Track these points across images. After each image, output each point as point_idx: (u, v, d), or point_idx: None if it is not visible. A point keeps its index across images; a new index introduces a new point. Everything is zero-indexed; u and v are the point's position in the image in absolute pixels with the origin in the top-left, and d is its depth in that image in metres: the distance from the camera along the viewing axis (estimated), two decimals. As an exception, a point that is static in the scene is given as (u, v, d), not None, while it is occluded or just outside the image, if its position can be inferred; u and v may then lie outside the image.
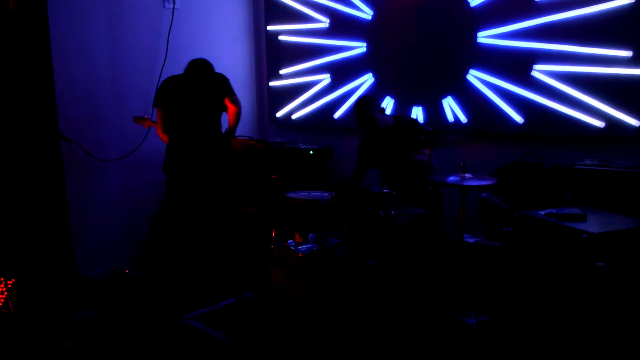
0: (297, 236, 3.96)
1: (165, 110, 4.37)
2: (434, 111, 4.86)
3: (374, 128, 4.30)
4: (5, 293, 3.77)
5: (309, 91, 5.71)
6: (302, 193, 4.20)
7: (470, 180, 3.64)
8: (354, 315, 3.32)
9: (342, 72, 5.44)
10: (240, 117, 4.48)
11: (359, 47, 5.29)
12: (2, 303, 3.73)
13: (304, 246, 3.56)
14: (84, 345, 3.42)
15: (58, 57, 4.28)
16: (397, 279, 3.42)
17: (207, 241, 4.45)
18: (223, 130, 4.50)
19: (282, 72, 5.91)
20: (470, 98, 4.69)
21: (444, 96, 4.82)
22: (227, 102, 4.42)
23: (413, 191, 4.12)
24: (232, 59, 5.89)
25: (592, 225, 2.61)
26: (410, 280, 3.44)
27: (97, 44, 4.64)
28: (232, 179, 4.52)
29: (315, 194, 4.18)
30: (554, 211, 2.82)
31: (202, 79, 4.41)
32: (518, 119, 4.45)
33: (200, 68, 4.46)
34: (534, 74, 4.33)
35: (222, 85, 4.43)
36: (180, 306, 4.10)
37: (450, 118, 4.80)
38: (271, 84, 6.03)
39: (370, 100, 4.36)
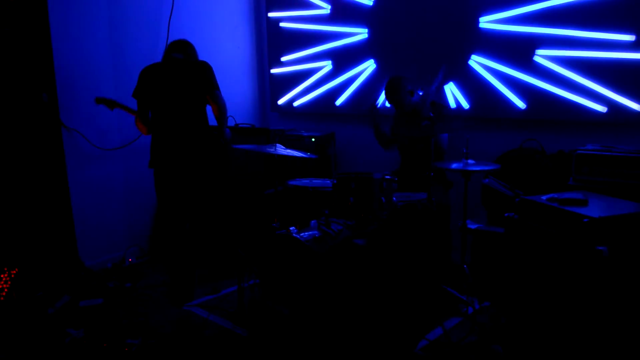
0: (299, 223, 3.97)
1: (142, 102, 4.00)
2: (436, 97, 4.84)
3: (400, 107, 4.39)
4: (10, 282, 3.79)
5: (311, 78, 5.70)
6: (304, 180, 4.21)
7: (473, 166, 3.65)
8: (357, 300, 3.32)
9: (344, 59, 5.42)
10: (224, 115, 4.00)
11: (360, 34, 5.27)
12: (7, 292, 3.76)
13: (306, 233, 3.56)
14: (88, 334, 3.44)
15: (59, 46, 4.27)
16: (387, 259, 3.41)
17: (204, 231, 4.44)
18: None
19: (283, 59, 5.89)
20: (472, 84, 4.67)
21: (446, 82, 4.80)
22: (208, 99, 3.97)
23: (420, 177, 4.13)
24: (233, 46, 5.87)
25: (594, 209, 2.60)
26: (400, 260, 3.43)
27: (98, 33, 4.62)
28: (222, 171, 4.40)
29: (317, 181, 4.19)
30: (556, 196, 2.81)
31: (183, 68, 3.98)
32: (520, 104, 4.43)
33: (182, 54, 4.04)
34: (537, 59, 4.30)
35: (203, 78, 3.94)
36: (184, 294, 4.12)
37: (453, 104, 4.79)
38: (273, 71, 6.02)
39: (398, 81, 4.36)
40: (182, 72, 3.95)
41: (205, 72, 3.95)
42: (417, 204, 3.68)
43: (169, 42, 4.93)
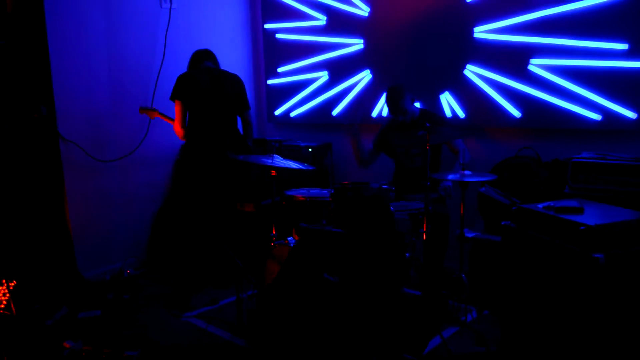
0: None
1: (184, 104, 4.35)
2: (432, 107, 4.86)
3: (401, 115, 4.37)
4: (8, 295, 3.78)
5: (307, 89, 5.72)
6: (302, 190, 4.22)
7: (470, 177, 3.66)
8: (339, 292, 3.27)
9: (340, 69, 5.45)
10: (251, 132, 4.63)
11: (356, 44, 5.30)
12: (5, 305, 3.75)
13: (304, 243, 3.56)
14: (86, 346, 3.44)
15: (56, 58, 4.30)
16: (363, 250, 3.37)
17: (210, 238, 4.47)
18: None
19: (280, 70, 5.92)
20: (467, 93, 4.70)
21: (442, 92, 4.83)
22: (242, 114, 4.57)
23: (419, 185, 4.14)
24: (230, 58, 5.89)
25: (590, 217, 2.62)
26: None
27: (95, 44, 4.64)
28: (241, 179, 4.56)
29: (315, 191, 4.20)
30: (552, 204, 2.83)
31: (221, 77, 4.44)
32: (516, 113, 4.46)
33: (213, 64, 4.50)
34: (531, 68, 4.34)
35: (240, 94, 4.52)
36: (182, 305, 4.12)
37: (448, 113, 4.81)
38: (269, 82, 6.04)
39: (401, 89, 4.37)
40: (222, 81, 4.43)
41: (241, 90, 4.53)
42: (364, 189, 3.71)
43: (165, 55, 5.01)
